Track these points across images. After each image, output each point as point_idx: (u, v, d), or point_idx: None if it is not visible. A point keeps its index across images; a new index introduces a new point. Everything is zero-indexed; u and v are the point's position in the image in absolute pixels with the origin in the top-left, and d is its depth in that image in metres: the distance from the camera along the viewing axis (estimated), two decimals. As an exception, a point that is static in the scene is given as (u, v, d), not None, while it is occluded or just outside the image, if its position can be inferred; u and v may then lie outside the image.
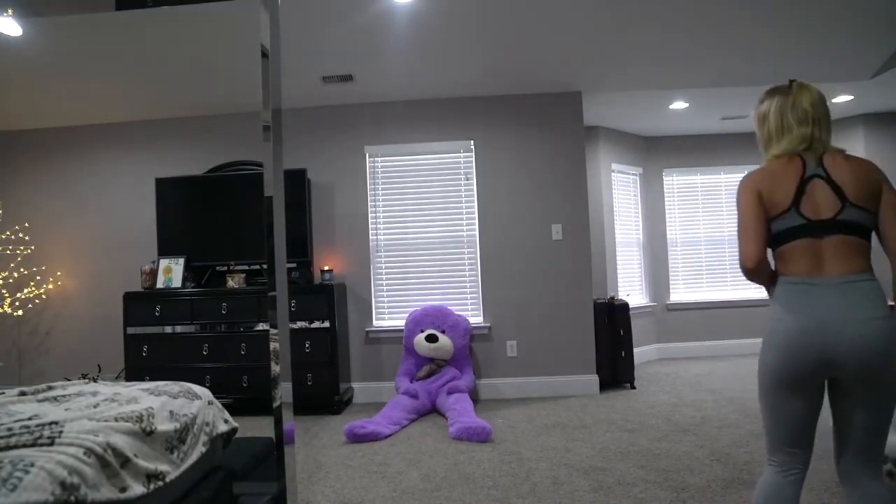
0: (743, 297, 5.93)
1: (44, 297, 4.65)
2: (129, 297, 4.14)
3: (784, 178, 1.51)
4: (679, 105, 4.94)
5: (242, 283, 4.22)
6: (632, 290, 5.67)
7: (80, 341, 4.63)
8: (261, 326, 4.01)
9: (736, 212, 1.57)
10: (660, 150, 5.99)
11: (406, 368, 4.15)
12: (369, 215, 4.52)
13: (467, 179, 4.53)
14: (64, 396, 1.69)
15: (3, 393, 1.76)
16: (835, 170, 1.48)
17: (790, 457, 1.54)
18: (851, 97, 4.84)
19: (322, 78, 4.05)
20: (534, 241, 4.42)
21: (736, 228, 1.56)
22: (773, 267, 1.56)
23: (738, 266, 6.12)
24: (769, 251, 1.55)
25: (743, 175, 1.59)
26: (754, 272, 1.52)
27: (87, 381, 2.12)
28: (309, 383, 3.96)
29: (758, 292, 5.96)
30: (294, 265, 4.27)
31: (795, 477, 1.54)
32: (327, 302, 4.01)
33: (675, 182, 6.04)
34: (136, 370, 4.07)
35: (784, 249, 1.51)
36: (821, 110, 1.56)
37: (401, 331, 4.33)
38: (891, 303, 1.52)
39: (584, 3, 3.23)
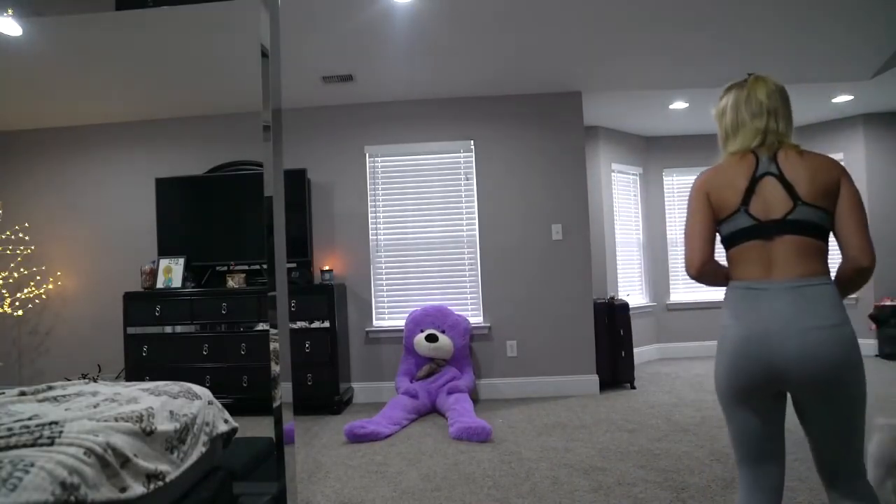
0: (743, 297, 5.93)
1: (44, 297, 4.65)
2: (129, 297, 4.14)
3: (735, 176, 1.43)
4: (679, 105, 4.94)
5: (242, 283, 4.22)
6: (632, 290, 5.67)
7: (80, 341, 4.63)
8: (261, 326, 4.01)
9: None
10: (660, 150, 5.99)
11: (406, 368, 4.15)
12: (369, 215, 4.52)
13: (467, 179, 4.53)
14: (64, 396, 1.69)
15: (3, 393, 1.76)
16: (788, 166, 1.39)
17: (755, 471, 1.44)
18: (851, 97, 4.84)
19: (322, 78, 4.05)
20: (534, 241, 4.42)
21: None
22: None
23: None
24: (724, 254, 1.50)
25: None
26: (698, 277, 1.48)
27: (87, 381, 2.12)
28: (309, 383, 3.96)
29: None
30: (294, 265, 4.27)
31: (767, 496, 1.42)
32: (327, 302, 4.01)
33: (675, 182, 6.04)
34: (136, 370, 4.07)
35: (734, 252, 1.44)
36: (777, 101, 1.46)
37: (401, 331, 4.33)
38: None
39: (584, 3, 3.22)
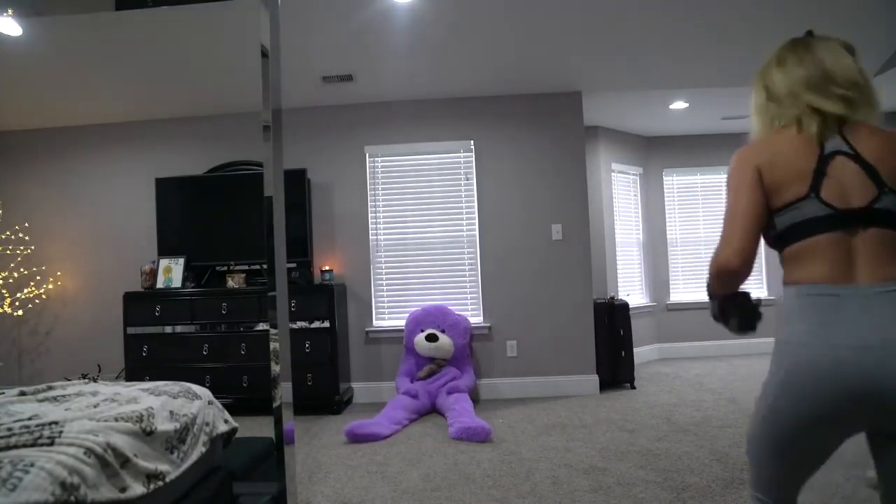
0: (743, 297, 5.92)
1: (44, 297, 4.65)
2: (129, 297, 4.14)
3: (795, 154, 1.14)
4: (679, 105, 4.94)
5: (242, 283, 4.22)
6: (632, 290, 5.67)
7: (80, 341, 4.63)
8: (261, 326, 4.01)
9: (725, 196, 1.21)
10: (660, 150, 5.99)
11: (406, 368, 4.15)
12: (369, 215, 4.52)
13: (467, 179, 4.53)
14: (64, 396, 1.69)
15: (3, 393, 1.76)
16: (862, 144, 1.11)
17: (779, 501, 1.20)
18: (851, 97, 4.84)
19: (322, 78, 4.05)
20: (534, 241, 4.42)
21: (724, 216, 1.18)
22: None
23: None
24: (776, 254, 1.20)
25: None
26: (738, 273, 1.14)
27: (87, 381, 2.12)
28: (309, 383, 3.96)
29: (758, 292, 5.96)
30: (294, 265, 4.27)
31: None
32: (327, 302, 4.01)
33: (675, 182, 6.03)
34: (136, 370, 4.07)
35: (798, 249, 1.12)
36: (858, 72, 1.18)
37: (401, 331, 4.33)
38: None
39: (584, 3, 3.23)
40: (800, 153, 1.14)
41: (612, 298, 4.79)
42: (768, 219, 1.17)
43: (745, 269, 1.14)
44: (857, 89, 1.16)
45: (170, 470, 1.52)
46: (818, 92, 1.17)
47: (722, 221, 1.19)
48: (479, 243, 4.46)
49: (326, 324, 4.00)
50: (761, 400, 1.17)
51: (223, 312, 4.04)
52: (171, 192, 4.37)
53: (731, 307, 1.25)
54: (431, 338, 4.03)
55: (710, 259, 1.20)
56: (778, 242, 1.17)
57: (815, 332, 1.06)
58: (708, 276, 1.22)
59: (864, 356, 1.01)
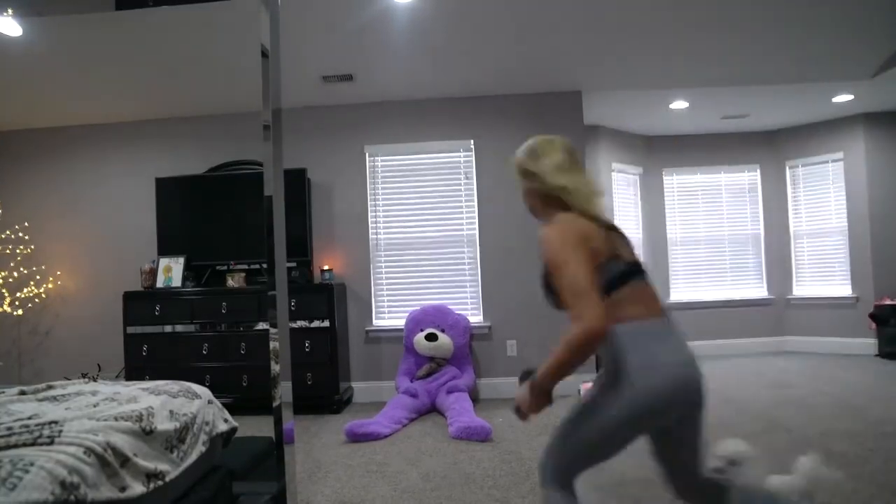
0: (743, 297, 5.93)
1: (44, 296, 4.65)
2: (129, 297, 4.14)
3: (591, 225, 1.45)
4: (679, 105, 4.94)
5: (242, 283, 4.22)
6: (632, 290, 5.67)
7: (80, 341, 4.63)
8: (261, 326, 4.01)
9: (555, 267, 1.39)
10: (660, 150, 5.98)
11: (406, 368, 4.15)
12: (369, 215, 4.52)
13: (467, 179, 4.53)
14: (64, 396, 1.69)
15: (3, 392, 1.76)
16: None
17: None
18: (851, 97, 4.84)
19: (322, 78, 4.05)
20: (534, 241, 4.37)
21: (566, 286, 1.36)
22: None
23: (737, 266, 6.16)
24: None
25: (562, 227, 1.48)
26: (604, 333, 1.30)
27: (86, 380, 2.12)
28: (309, 383, 3.96)
29: (758, 291, 5.96)
30: (294, 265, 4.27)
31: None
32: (327, 301, 4.01)
33: (675, 182, 6.03)
34: (135, 369, 4.07)
35: (619, 295, 1.40)
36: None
37: (401, 330, 4.33)
38: None
39: (585, 3, 3.23)
40: (593, 225, 1.46)
41: (612, 298, 4.79)
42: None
43: (608, 326, 1.31)
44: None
45: (169, 469, 1.53)
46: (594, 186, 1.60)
47: (569, 293, 1.37)
48: (479, 243, 4.46)
49: (326, 323, 4.00)
50: (615, 407, 1.39)
51: (223, 312, 4.04)
52: (171, 192, 4.37)
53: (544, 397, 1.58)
54: (431, 337, 4.03)
55: (566, 339, 1.35)
56: (602, 291, 1.38)
57: (663, 350, 1.36)
58: (568, 353, 1.37)
59: (693, 367, 1.36)
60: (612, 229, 1.50)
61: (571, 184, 1.57)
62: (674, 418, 1.42)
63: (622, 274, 1.42)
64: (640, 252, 6.09)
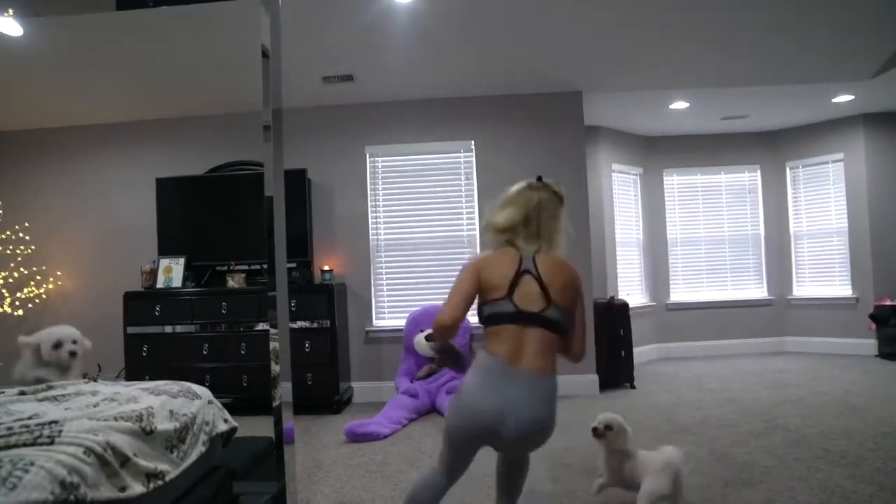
0: (743, 297, 5.93)
1: (44, 296, 4.65)
2: (130, 297, 4.14)
3: (503, 267, 1.69)
4: (679, 105, 4.94)
5: (242, 283, 4.22)
6: (632, 290, 5.67)
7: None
8: (261, 326, 4.01)
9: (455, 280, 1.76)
10: (660, 150, 5.98)
11: (406, 368, 4.15)
12: (369, 215, 4.52)
13: (467, 179, 4.53)
14: (63, 396, 1.69)
15: (3, 392, 1.76)
16: (544, 269, 1.68)
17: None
18: (851, 97, 4.84)
19: (322, 78, 4.05)
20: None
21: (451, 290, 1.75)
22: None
23: (737, 266, 6.16)
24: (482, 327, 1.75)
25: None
26: (448, 329, 1.71)
27: (86, 380, 2.12)
28: (309, 383, 3.96)
29: (758, 292, 5.96)
30: (294, 265, 4.27)
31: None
32: (327, 302, 4.01)
33: (675, 182, 6.03)
34: (136, 370, 4.07)
35: (494, 329, 1.69)
36: (552, 210, 1.77)
37: (401, 331, 4.33)
38: None
39: (585, 4, 3.23)
40: (507, 267, 1.70)
41: (612, 298, 4.79)
42: (478, 302, 1.75)
43: (454, 326, 1.73)
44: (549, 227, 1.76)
45: (169, 469, 1.53)
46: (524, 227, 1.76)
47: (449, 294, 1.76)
48: (480, 243, 4.46)
49: (326, 323, 4.00)
50: (449, 411, 1.74)
51: (223, 312, 4.04)
52: (171, 192, 4.37)
53: (446, 354, 1.94)
54: (431, 338, 4.02)
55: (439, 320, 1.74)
56: (485, 321, 1.75)
57: (483, 392, 1.64)
58: (434, 330, 1.80)
59: (498, 417, 1.60)
60: (526, 273, 1.69)
61: (505, 225, 1.78)
62: (495, 444, 1.71)
63: (496, 314, 1.70)
64: (639, 254, 6.08)
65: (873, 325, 5.19)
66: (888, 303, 5.13)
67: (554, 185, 1.83)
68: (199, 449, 1.73)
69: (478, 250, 4.47)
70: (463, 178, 4.53)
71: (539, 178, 1.83)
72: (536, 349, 1.66)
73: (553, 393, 1.72)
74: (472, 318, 4.61)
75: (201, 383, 2.00)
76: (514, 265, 1.69)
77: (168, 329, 4.09)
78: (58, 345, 2.34)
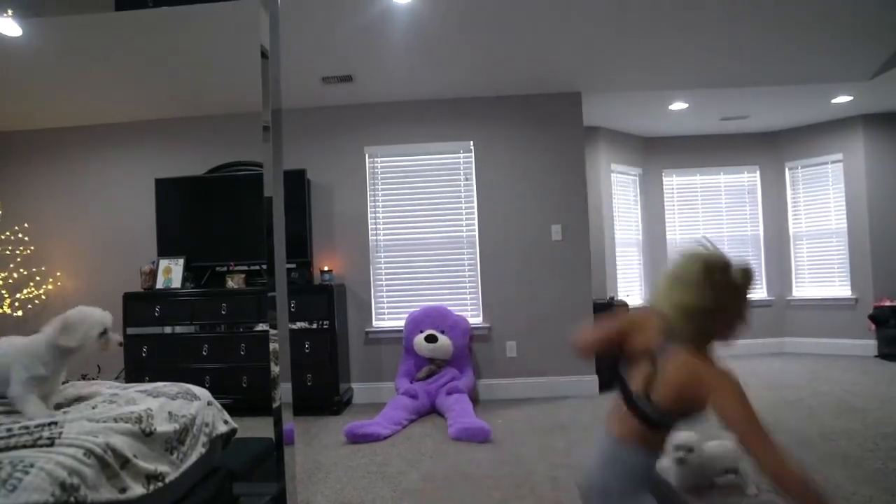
0: (742, 298, 5.93)
1: (43, 297, 4.64)
2: (129, 298, 4.14)
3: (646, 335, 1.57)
4: (679, 105, 4.95)
5: (242, 284, 4.21)
6: (631, 291, 5.67)
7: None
8: (260, 327, 4.01)
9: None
10: (660, 151, 5.99)
11: (406, 369, 4.15)
12: (369, 216, 4.52)
13: (467, 180, 4.53)
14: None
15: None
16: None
17: None
18: (851, 97, 4.84)
19: (322, 78, 4.05)
20: (533, 242, 4.42)
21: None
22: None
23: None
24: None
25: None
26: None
27: (86, 382, 2.11)
28: (309, 384, 3.96)
29: (758, 293, 5.96)
30: (294, 265, 4.27)
31: None
32: (327, 302, 4.01)
33: (675, 182, 6.04)
34: (135, 371, 4.07)
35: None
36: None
37: (401, 331, 4.33)
38: None
39: (585, 4, 3.23)
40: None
41: (612, 298, 4.80)
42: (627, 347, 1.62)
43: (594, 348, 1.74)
44: None
45: (169, 471, 1.52)
46: None
47: None
48: (479, 244, 4.46)
49: (326, 324, 4.00)
50: None
51: (223, 313, 4.04)
52: (170, 193, 4.37)
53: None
54: (431, 338, 4.03)
55: None
56: None
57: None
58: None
59: (586, 474, 1.56)
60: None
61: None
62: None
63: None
64: (638, 254, 6.08)
65: (873, 326, 5.20)
66: (887, 303, 5.14)
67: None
68: (199, 450, 1.72)
69: (477, 251, 4.47)
70: (462, 178, 4.53)
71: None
72: None
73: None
74: (472, 318, 4.61)
75: (201, 384, 1.99)
76: None
77: (168, 330, 4.09)
78: (104, 332, 1.92)
